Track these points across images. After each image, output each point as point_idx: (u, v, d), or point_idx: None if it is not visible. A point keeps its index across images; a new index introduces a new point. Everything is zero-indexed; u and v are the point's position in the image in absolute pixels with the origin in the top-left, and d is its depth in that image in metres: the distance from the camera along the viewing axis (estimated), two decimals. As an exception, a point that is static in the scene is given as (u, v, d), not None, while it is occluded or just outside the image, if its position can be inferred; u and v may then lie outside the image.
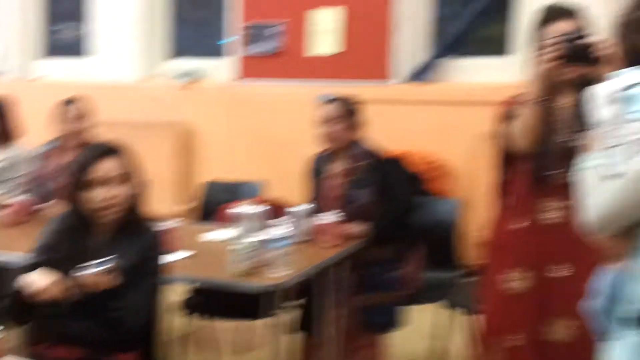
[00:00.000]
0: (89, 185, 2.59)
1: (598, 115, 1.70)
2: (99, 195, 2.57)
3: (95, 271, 2.47)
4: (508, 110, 2.74)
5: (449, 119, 5.08)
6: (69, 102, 4.27)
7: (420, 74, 5.22)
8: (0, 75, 6.84)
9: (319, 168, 3.66)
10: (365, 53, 5.31)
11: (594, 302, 1.85)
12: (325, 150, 3.66)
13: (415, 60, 5.31)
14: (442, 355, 3.74)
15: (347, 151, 3.56)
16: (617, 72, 1.75)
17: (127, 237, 2.64)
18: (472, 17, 5.13)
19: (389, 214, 3.44)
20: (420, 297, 3.60)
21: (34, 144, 4.72)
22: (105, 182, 2.58)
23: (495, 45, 5.18)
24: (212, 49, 6.26)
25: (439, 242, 3.79)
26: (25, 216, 3.92)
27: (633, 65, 1.73)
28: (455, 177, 5.12)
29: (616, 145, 1.64)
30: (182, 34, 6.46)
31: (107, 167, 2.60)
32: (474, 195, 4.92)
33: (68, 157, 4.03)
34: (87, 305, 2.51)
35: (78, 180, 2.61)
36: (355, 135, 3.57)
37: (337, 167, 3.58)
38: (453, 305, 3.53)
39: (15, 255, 3.28)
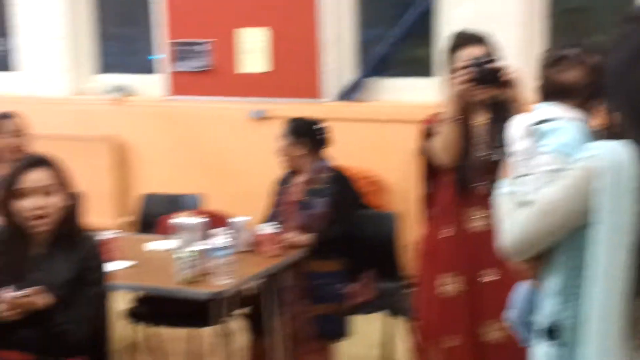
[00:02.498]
0: (18, 195, 2.64)
1: (514, 145, 1.87)
2: (28, 205, 2.62)
3: (17, 294, 2.52)
4: (428, 128, 2.93)
5: (380, 136, 5.26)
6: (5, 116, 4.26)
7: (349, 93, 5.39)
8: None
9: (285, 179, 3.81)
10: (295, 72, 5.45)
11: (511, 313, 2.02)
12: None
13: (344, 80, 5.49)
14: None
15: (309, 166, 3.71)
16: (535, 105, 1.94)
17: (64, 249, 2.68)
18: (397, 39, 5.34)
19: (334, 229, 3.62)
20: (366, 307, 3.75)
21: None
22: (33, 192, 2.63)
23: (422, 66, 5.41)
24: (141, 65, 6.30)
25: (380, 254, 3.92)
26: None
27: (548, 98, 1.93)
28: (389, 192, 5.29)
29: (527, 175, 1.80)
30: (110, 50, 6.47)
31: (35, 177, 2.65)
32: (408, 208, 5.10)
33: (3, 171, 4.02)
34: (32, 315, 2.56)
35: (9, 191, 2.66)
36: (309, 153, 3.71)
37: (300, 178, 3.75)
38: (396, 314, 3.67)
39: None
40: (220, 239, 3.19)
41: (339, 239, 3.62)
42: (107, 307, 2.89)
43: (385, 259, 3.95)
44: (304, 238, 3.56)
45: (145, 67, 6.22)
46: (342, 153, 5.30)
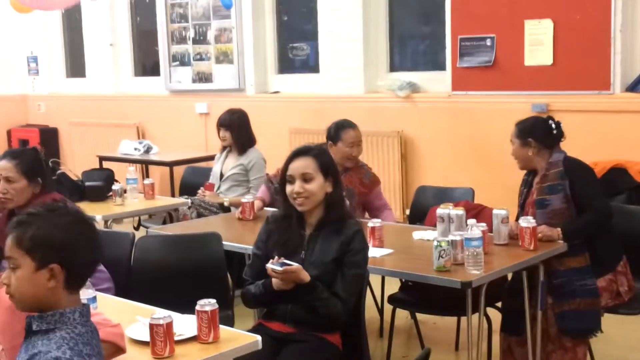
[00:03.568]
0: (287, 180, 3.00)
1: None
2: (291, 189, 2.98)
3: (280, 269, 2.81)
4: None
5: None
6: (347, 125, 4.43)
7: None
8: (241, 91, 7.54)
9: (527, 180, 3.82)
10: (581, 63, 5.30)
11: None
12: None
13: (635, 71, 5.22)
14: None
15: (542, 164, 3.69)
16: None
17: (330, 232, 2.97)
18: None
19: (574, 224, 3.54)
20: (628, 306, 3.60)
21: (266, 151, 5.25)
22: (296, 178, 2.97)
23: None
24: (429, 63, 6.52)
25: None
26: (254, 214, 4.38)
27: None
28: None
29: None
30: (401, 49, 6.78)
31: (297, 165, 3.00)
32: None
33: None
34: (294, 290, 2.87)
35: (282, 177, 3.03)
36: (539, 152, 3.68)
37: (537, 178, 3.73)
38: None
39: (242, 247, 3.75)
40: (474, 230, 3.27)
41: (584, 232, 3.51)
42: (364, 289, 3.12)
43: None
44: (555, 232, 3.51)
45: (433, 65, 6.43)
46: (630, 147, 5.07)
